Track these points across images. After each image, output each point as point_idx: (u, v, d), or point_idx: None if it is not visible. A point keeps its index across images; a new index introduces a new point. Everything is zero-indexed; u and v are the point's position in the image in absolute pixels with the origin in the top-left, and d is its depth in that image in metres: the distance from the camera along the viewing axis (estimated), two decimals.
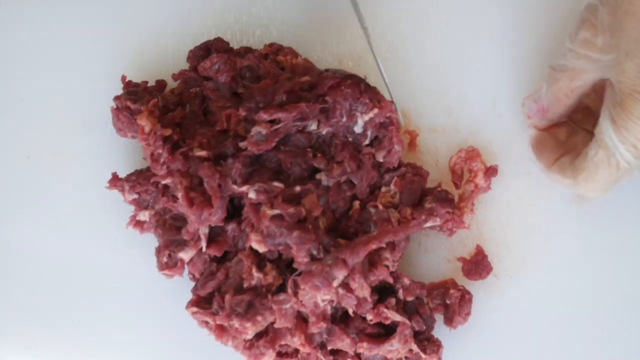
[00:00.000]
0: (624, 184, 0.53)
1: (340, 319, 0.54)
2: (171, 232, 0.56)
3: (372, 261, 0.53)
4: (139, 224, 0.58)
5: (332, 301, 0.53)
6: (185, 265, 0.56)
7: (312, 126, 0.55)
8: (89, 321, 0.60)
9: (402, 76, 0.60)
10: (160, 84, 0.60)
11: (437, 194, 0.56)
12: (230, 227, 0.54)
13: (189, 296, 0.55)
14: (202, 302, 0.54)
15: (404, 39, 0.61)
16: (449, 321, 0.57)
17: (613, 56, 0.50)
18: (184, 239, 0.55)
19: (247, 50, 0.59)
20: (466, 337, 0.57)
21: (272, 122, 0.53)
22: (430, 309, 0.56)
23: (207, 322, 0.54)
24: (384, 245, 0.53)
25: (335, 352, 0.55)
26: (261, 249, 0.52)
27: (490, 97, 0.60)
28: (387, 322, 0.54)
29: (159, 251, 0.56)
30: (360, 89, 0.55)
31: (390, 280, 0.54)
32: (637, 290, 0.57)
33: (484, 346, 0.58)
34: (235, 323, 0.52)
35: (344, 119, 0.55)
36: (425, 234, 0.59)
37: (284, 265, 0.54)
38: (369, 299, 0.53)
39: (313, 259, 0.52)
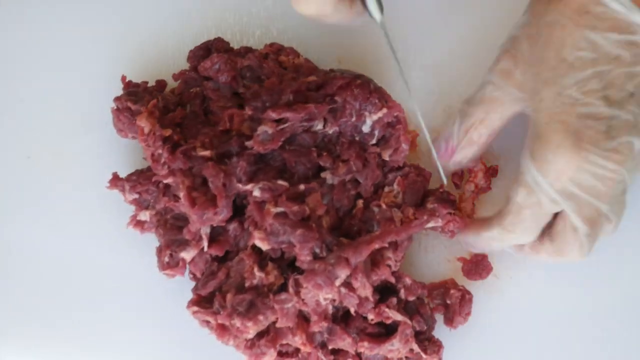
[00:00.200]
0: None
1: (341, 318, 0.54)
2: (172, 232, 0.56)
3: (375, 260, 0.53)
4: (139, 224, 0.57)
5: (334, 300, 0.53)
6: (186, 265, 0.56)
7: (318, 126, 0.55)
8: (89, 321, 0.60)
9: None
10: (161, 84, 0.60)
11: (439, 194, 0.56)
12: (232, 226, 0.54)
13: (189, 296, 0.55)
14: (203, 302, 0.54)
15: (404, 39, 0.61)
16: (449, 321, 0.57)
17: (531, 87, 0.50)
18: (186, 238, 0.55)
19: (248, 50, 0.59)
20: (466, 337, 0.57)
21: (278, 121, 0.53)
22: (431, 309, 0.56)
23: (208, 322, 0.54)
24: (386, 245, 0.53)
25: (335, 352, 0.55)
26: (264, 246, 0.52)
27: None
28: (388, 321, 0.54)
29: (160, 251, 0.56)
30: (369, 88, 0.55)
31: (393, 279, 0.54)
32: (637, 290, 0.58)
33: (484, 346, 0.58)
34: (237, 322, 0.52)
35: (353, 119, 0.55)
36: (425, 234, 0.59)
37: (286, 265, 0.54)
38: (371, 299, 0.53)
39: (316, 257, 0.52)
